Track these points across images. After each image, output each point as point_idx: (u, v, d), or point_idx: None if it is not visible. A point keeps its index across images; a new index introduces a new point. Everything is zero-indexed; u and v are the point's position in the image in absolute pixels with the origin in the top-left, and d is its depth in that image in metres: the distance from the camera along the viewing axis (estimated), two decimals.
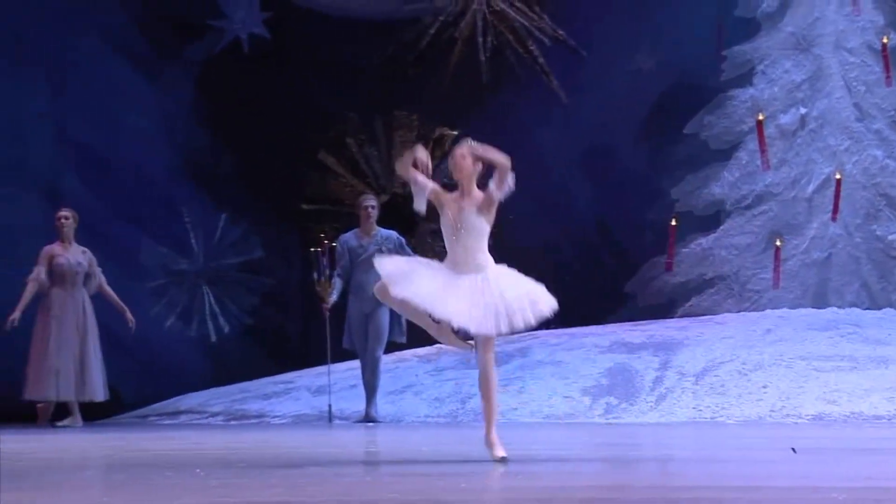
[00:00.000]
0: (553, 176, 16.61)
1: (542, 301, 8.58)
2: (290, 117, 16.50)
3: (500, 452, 8.25)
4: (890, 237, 16.04)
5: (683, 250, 16.37)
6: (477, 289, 8.26)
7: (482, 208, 8.37)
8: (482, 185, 8.48)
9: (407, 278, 8.28)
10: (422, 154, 8.42)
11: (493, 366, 8.38)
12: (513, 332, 8.45)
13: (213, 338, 16.56)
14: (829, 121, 16.24)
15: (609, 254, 16.62)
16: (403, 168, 8.49)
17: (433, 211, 8.52)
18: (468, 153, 8.45)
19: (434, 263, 8.51)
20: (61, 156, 16.45)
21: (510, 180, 8.41)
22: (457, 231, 8.33)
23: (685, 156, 16.42)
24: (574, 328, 15.53)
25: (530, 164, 16.64)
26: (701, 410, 13.26)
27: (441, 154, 16.84)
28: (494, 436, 8.32)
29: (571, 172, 16.61)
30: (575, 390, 13.86)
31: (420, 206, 8.46)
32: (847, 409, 12.92)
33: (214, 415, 14.78)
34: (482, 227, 8.38)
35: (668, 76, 16.46)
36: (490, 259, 8.46)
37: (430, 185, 8.42)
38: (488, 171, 8.39)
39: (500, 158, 8.39)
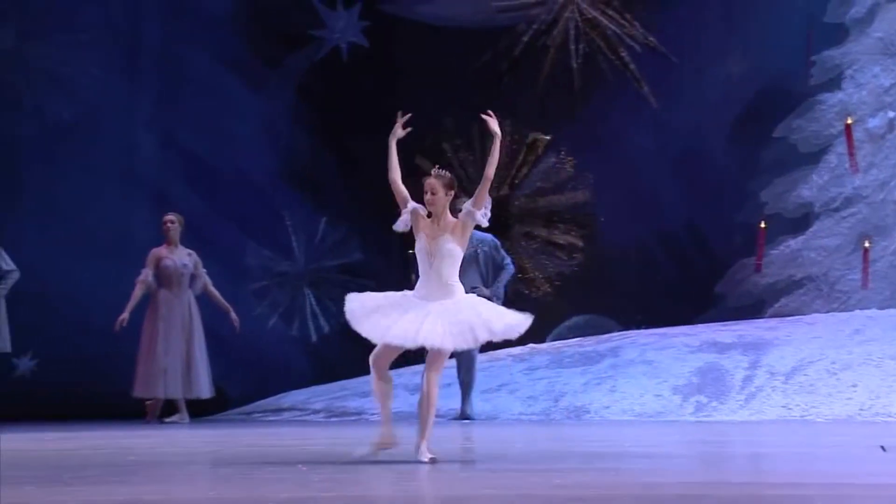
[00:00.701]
0: (644, 179, 16.56)
1: (511, 319, 8.21)
2: (387, 123, 16.52)
3: (427, 456, 8.03)
4: None
5: (773, 252, 16.25)
6: (442, 310, 8.10)
7: (456, 233, 8.23)
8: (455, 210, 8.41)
9: (367, 315, 8.16)
10: (395, 138, 8.42)
11: (436, 385, 8.25)
12: (468, 346, 8.23)
13: (314, 337, 16.65)
14: None
15: (699, 255, 16.53)
16: (391, 173, 8.43)
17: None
18: (439, 186, 8.35)
19: (400, 296, 8.27)
20: (169, 162, 16.64)
21: (488, 201, 8.31)
22: (430, 258, 8.20)
23: (774, 159, 16.30)
24: (665, 328, 15.46)
25: (622, 168, 16.64)
26: (790, 409, 13.16)
27: (534, 158, 16.87)
28: (424, 446, 8.09)
29: (662, 176, 16.54)
30: (666, 389, 13.81)
31: (401, 227, 8.38)
32: None
33: (316, 412, 14.87)
34: (456, 253, 8.22)
35: (757, 81, 16.35)
36: (461, 287, 8.27)
37: (412, 206, 8.33)
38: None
39: (490, 173, 8.32)
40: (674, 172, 16.52)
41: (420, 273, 8.28)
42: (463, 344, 8.18)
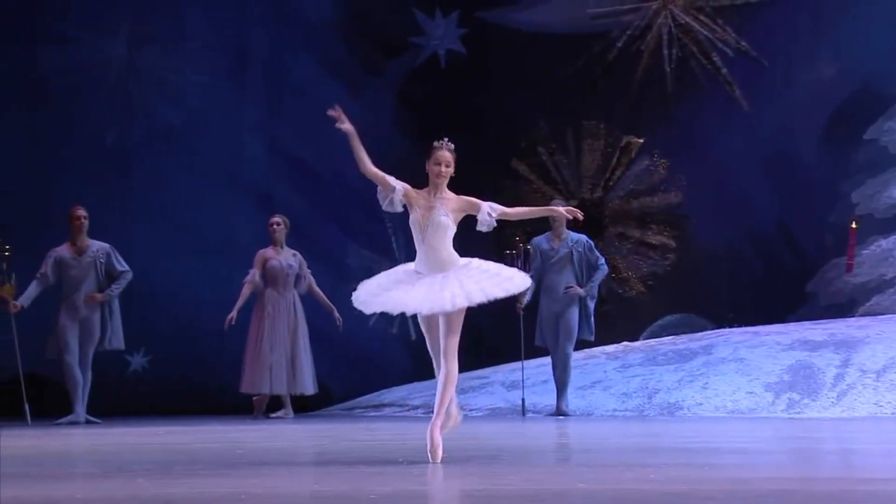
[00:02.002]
0: (736, 180, 16.44)
1: (510, 276, 8.13)
2: (484, 127, 16.58)
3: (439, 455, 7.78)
4: None
5: (864, 251, 16.06)
6: (435, 281, 7.95)
7: (453, 210, 8.09)
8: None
9: (374, 297, 8.07)
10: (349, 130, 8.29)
11: (455, 355, 8.03)
12: (471, 303, 7.97)
13: (413, 335, 16.68)
14: None
15: (790, 255, 16.38)
16: (363, 167, 8.23)
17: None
18: (452, 160, 8.16)
19: (401, 271, 8.16)
20: (274, 166, 16.77)
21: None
22: (423, 230, 8.04)
23: (865, 161, 16.12)
24: (756, 326, 15.34)
25: (714, 170, 16.53)
26: (882, 406, 13.00)
27: (628, 161, 16.80)
28: (439, 435, 7.84)
29: (754, 177, 16.41)
30: (758, 386, 13.69)
31: (394, 207, 8.14)
32: None
33: (415, 408, 14.91)
34: (449, 226, 8.05)
35: (848, 84, 16.17)
36: (456, 256, 8.10)
37: (401, 185, 8.13)
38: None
39: (511, 212, 8.23)
40: (765, 174, 16.38)
41: (416, 246, 8.12)
42: (447, 305, 7.90)
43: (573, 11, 16.82)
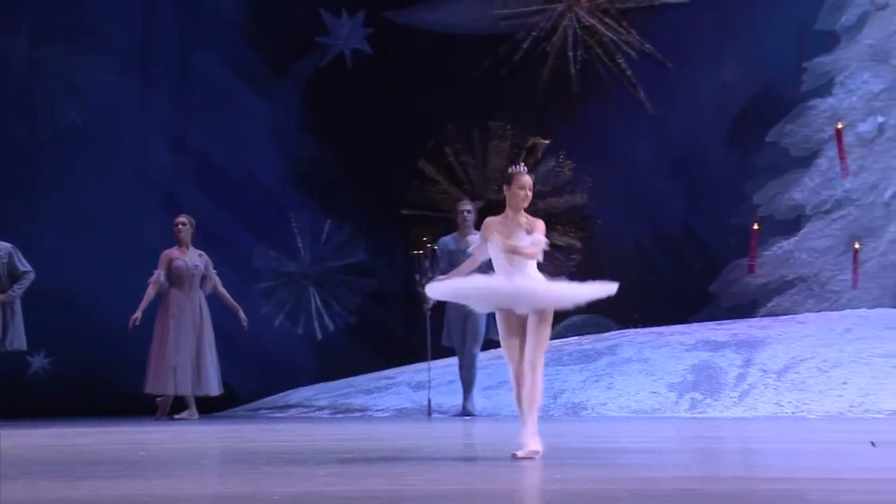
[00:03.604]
0: (641, 182, 16.55)
1: (592, 286, 8.68)
2: (391, 127, 16.58)
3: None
4: None
5: (765, 253, 16.24)
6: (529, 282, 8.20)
7: (530, 231, 8.21)
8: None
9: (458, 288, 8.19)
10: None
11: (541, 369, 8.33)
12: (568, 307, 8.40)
13: (319, 336, 16.66)
14: None
15: (694, 256, 16.53)
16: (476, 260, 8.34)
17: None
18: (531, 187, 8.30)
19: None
20: (180, 166, 16.65)
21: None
22: (510, 255, 8.17)
23: (767, 163, 16.30)
24: (661, 327, 15.47)
25: (620, 171, 16.64)
26: (782, 406, 13.16)
27: (533, 162, 16.83)
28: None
29: (659, 179, 16.54)
30: (661, 386, 13.81)
31: (485, 255, 8.28)
32: None
33: (321, 408, 14.87)
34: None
35: (751, 87, 16.34)
36: (541, 276, 8.38)
37: (481, 237, 8.27)
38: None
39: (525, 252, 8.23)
40: (670, 175, 16.51)
41: (497, 269, 8.22)
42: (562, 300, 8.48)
43: (480, 13, 16.86)
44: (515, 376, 8.29)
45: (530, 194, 8.27)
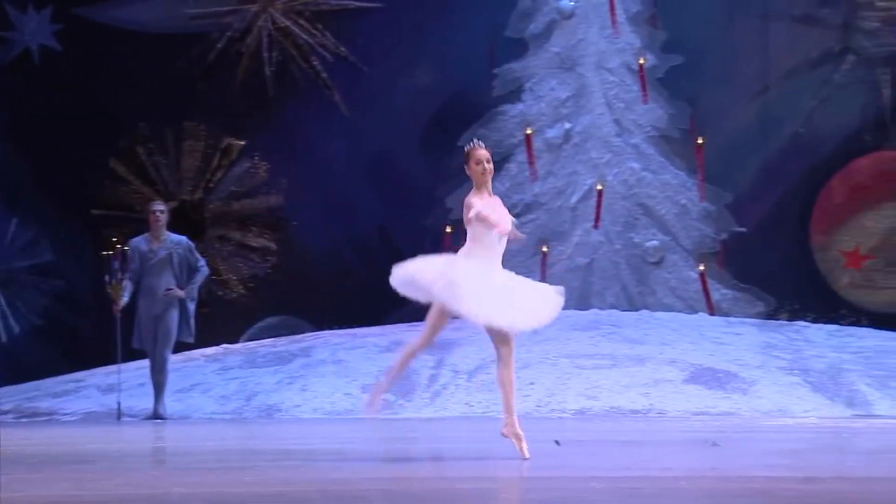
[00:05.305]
0: (337, 185, 16.63)
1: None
2: (82, 126, 16.23)
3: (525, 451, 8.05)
4: (647, 244, 16.39)
5: None
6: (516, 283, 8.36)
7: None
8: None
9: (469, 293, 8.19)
10: None
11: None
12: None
13: (4, 338, 16.20)
14: (591, 135, 16.54)
15: (389, 258, 16.62)
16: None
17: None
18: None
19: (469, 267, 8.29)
20: None
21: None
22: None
23: (460, 166, 16.47)
24: (355, 329, 15.57)
25: (316, 173, 16.67)
26: (473, 406, 13.39)
27: (228, 163, 16.76)
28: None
29: (355, 181, 16.65)
30: (355, 388, 13.89)
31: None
32: (607, 404, 13.18)
33: (5, 412, 14.43)
34: None
35: (444, 91, 16.60)
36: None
37: (480, 203, 8.17)
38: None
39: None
40: (365, 178, 16.64)
41: (486, 247, 8.21)
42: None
43: (172, 11, 16.65)
44: (419, 346, 8.31)
45: (490, 166, 8.19)
